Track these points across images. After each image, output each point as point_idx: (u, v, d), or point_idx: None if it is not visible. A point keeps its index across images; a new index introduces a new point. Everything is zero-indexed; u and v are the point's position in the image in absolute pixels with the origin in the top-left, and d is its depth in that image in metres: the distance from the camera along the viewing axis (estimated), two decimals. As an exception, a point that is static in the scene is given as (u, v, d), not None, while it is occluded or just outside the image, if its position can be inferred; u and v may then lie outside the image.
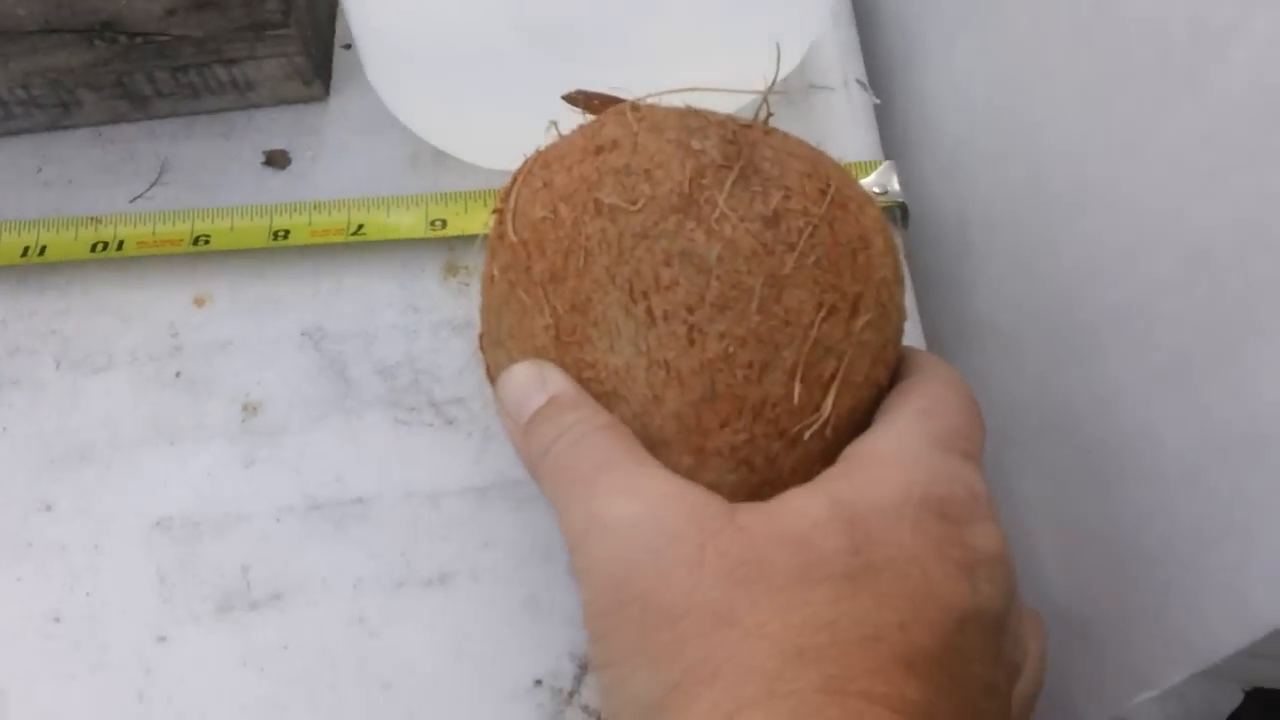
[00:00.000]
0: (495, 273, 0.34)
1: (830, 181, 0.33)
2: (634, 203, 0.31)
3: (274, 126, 0.51)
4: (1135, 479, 0.37)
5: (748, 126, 0.33)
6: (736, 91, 0.35)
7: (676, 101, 0.36)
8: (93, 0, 0.44)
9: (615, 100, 0.38)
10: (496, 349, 0.35)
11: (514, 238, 0.33)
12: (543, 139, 0.45)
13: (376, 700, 0.39)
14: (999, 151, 0.45)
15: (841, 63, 0.52)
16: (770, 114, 0.35)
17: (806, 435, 0.32)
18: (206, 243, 0.46)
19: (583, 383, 0.32)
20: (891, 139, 0.54)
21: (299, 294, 0.47)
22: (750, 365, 0.31)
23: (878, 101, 0.51)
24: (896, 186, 0.47)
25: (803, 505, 0.29)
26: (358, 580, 0.41)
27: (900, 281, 0.35)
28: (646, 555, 0.28)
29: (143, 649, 0.40)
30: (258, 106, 0.51)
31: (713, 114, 0.34)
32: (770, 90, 0.37)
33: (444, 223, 0.47)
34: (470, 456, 0.43)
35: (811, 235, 0.32)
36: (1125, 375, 0.37)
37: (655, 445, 0.32)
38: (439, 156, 0.49)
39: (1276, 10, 0.28)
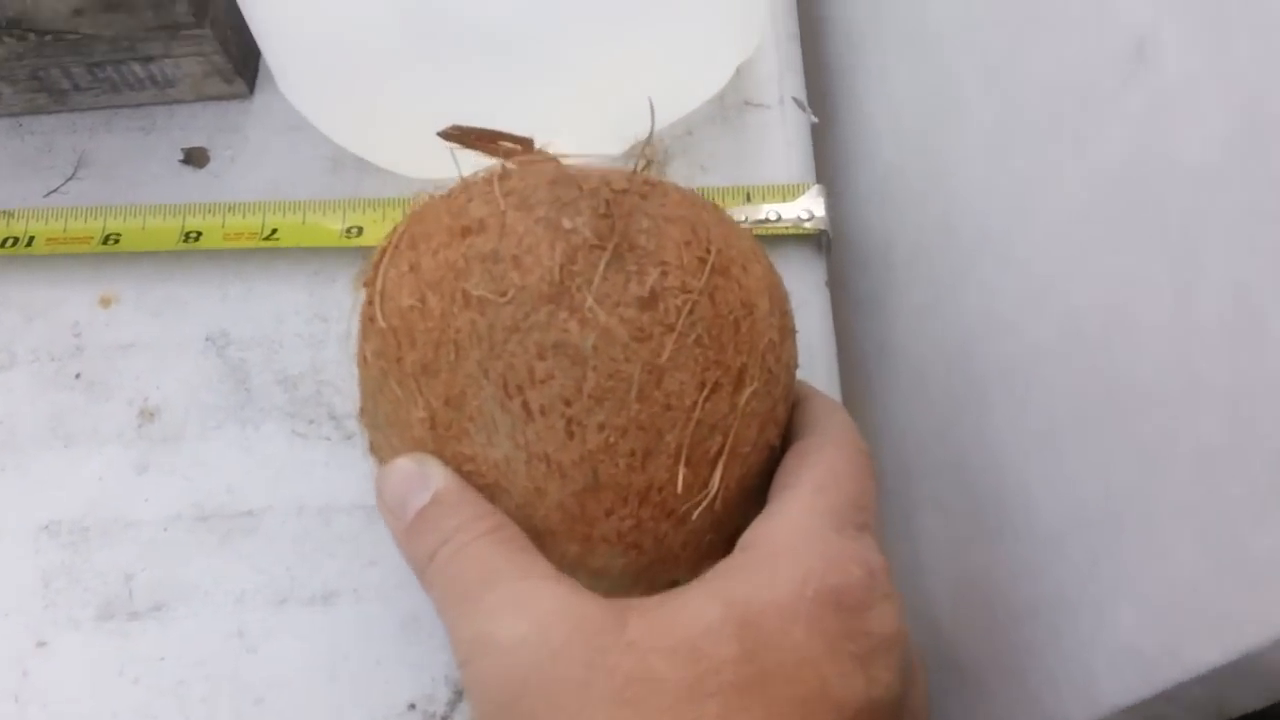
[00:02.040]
0: (368, 355, 0.33)
1: (710, 245, 0.32)
2: (503, 294, 0.30)
3: (195, 123, 0.50)
4: (1012, 535, 0.36)
5: (624, 191, 0.32)
6: (611, 157, 0.35)
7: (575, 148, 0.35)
8: (-3, -3, 0.44)
9: (496, 137, 0.37)
10: (375, 431, 0.34)
11: (383, 324, 0.32)
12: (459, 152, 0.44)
13: (248, 715, 0.39)
14: (923, 185, 0.44)
15: (780, 79, 0.51)
16: (649, 162, 0.34)
17: (694, 515, 0.31)
18: (116, 242, 0.46)
19: (464, 475, 0.31)
20: (829, 155, 0.53)
21: (206, 298, 0.46)
22: (633, 454, 0.30)
23: (815, 120, 0.50)
24: (822, 212, 0.46)
25: (696, 610, 0.28)
26: (241, 594, 0.41)
27: (790, 333, 0.34)
28: (534, 675, 0.28)
29: (22, 653, 0.40)
30: (179, 102, 0.50)
31: (587, 177, 0.32)
32: (648, 145, 0.35)
33: (360, 230, 0.46)
34: (364, 473, 0.43)
35: (691, 312, 0.31)
36: (1009, 431, 0.36)
37: (541, 535, 0.31)
38: (361, 161, 0.49)
39: (1152, 85, 0.27)
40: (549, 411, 0.30)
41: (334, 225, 0.46)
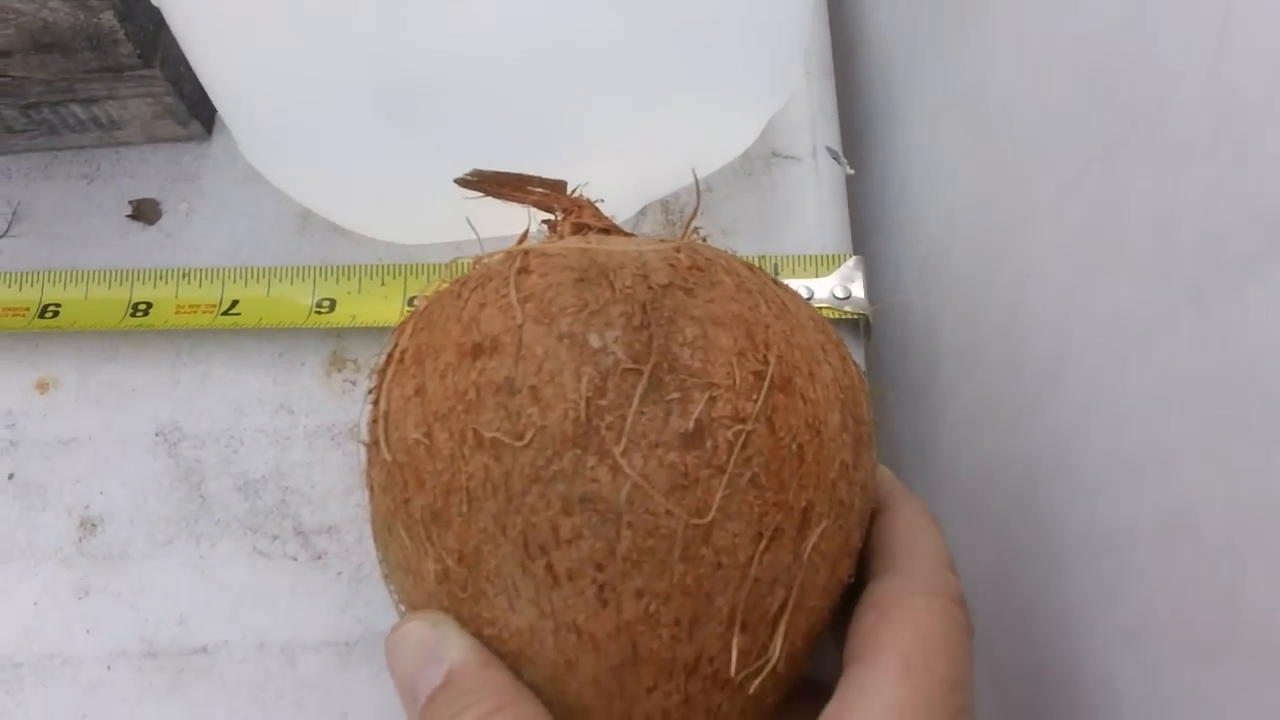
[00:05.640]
0: (374, 485, 0.28)
1: (770, 352, 0.26)
2: (520, 436, 0.25)
3: (145, 168, 0.44)
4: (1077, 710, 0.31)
5: (667, 286, 0.27)
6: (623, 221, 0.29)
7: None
8: (-86, 37, 0.37)
9: (523, 181, 0.32)
10: (389, 570, 0.29)
11: (388, 456, 0.27)
12: (442, 216, 0.38)
13: None
14: (977, 276, 0.38)
15: (812, 127, 0.44)
16: (703, 239, 0.29)
17: (753, 685, 0.26)
18: (55, 314, 0.40)
19: (484, 640, 0.26)
20: (866, 206, 0.47)
21: (157, 384, 0.40)
22: (677, 623, 0.25)
23: (850, 172, 0.44)
24: (861, 293, 0.40)
25: None
26: (193, 751, 0.36)
27: (868, 442, 0.29)
28: None
29: (-58, 820, 0.35)
30: (127, 144, 0.44)
31: (621, 268, 0.27)
32: (688, 234, 0.30)
33: (332, 304, 0.41)
34: (336, 603, 0.37)
35: (745, 446, 0.25)
36: (1089, 614, 0.31)
37: (574, 712, 0.26)
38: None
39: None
40: (577, 576, 0.25)
41: (303, 299, 0.41)
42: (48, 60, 0.38)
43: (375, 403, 0.28)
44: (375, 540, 0.29)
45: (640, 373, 0.25)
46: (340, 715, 0.36)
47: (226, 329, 0.40)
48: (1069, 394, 0.32)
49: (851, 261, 0.41)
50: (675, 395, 0.25)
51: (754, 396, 0.25)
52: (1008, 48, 0.34)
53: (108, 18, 0.36)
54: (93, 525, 0.38)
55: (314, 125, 0.37)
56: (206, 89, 0.36)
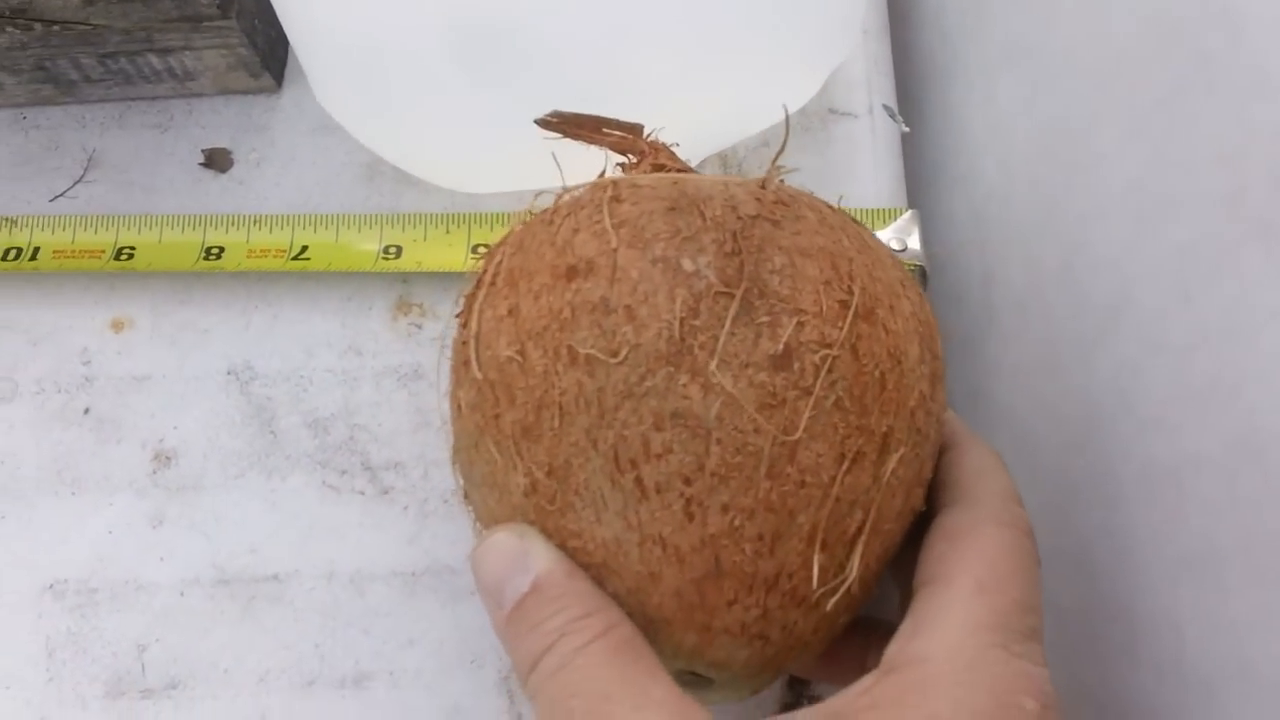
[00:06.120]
0: (462, 404, 0.29)
1: (854, 283, 0.27)
2: (615, 353, 0.26)
3: (217, 120, 0.45)
4: (1154, 673, 0.31)
5: (754, 217, 0.28)
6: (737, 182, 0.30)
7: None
8: (1, -15, 0.38)
9: (600, 124, 0.33)
10: (471, 487, 0.30)
11: (479, 374, 0.28)
12: (507, 165, 0.39)
13: (270, 819, 0.35)
14: (1035, 222, 0.39)
15: (869, 84, 0.45)
16: (781, 175, 0.30)
17: (829, 603, 0.27)
18: (130, 257, 0.41)
19: (568, 551, 0.27)
20: (918, 167, 0.48)
21: (228, 325, 0.42)
22: (760, 538, 0.26)
23: (906, 129, 0.45)
24: (918, 245, 0.41)
25: None
26: (264, 673, 0.37)
27: (941, 378, 0.30)
28: None
29: (22, 735, 0.36)
30: (200, 95, 0.45)
31: (710, 199, 0.28)
32: (776, 168, 0.31)
33: (399, 250, 0.41)
34: (403, 535, 0.38)
35: (830, 371, 0.26)
36: (1149, 548, 0.31)
37: (654, 624, 0.27)
38: (400, 169, 0.43)
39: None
40: (665, 490, 0.26)
41: (370, 245, 0.42)
42: (129, 9, 0.40)
43: (464, 325, 0.29)
44: (456, 460, 0.30)
45: (732, 296, 0.26)
46: (408, 642, 0.37)
47: (296, 273, 0.41)
48: (1131, 333, 0.32)
49: (908, 215, 0.42)
50: (765, 319, 0.26)
51: (839, 324, 0.26)
52: (1072, -5, 0.35)
53: (190, -35, 0.37)
54: (167, 458, 0.40)
55: (389, 70, 0.38)
56: (286, 30, 0.38)
